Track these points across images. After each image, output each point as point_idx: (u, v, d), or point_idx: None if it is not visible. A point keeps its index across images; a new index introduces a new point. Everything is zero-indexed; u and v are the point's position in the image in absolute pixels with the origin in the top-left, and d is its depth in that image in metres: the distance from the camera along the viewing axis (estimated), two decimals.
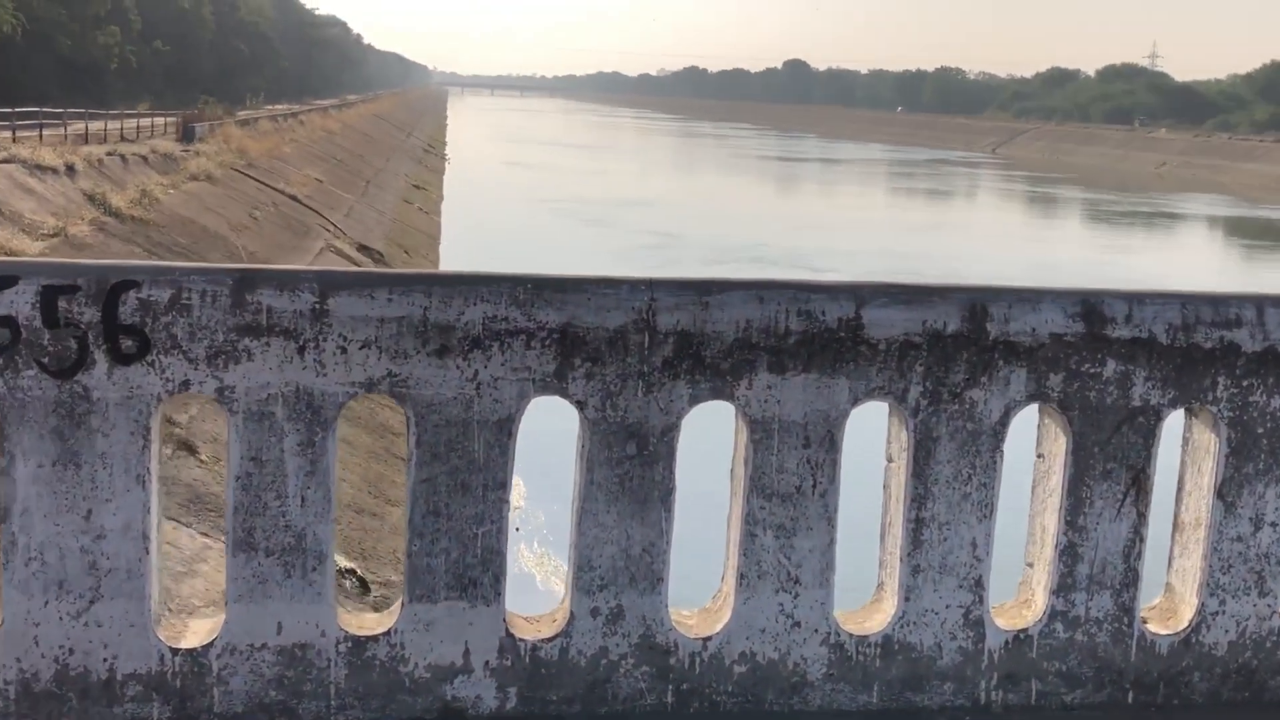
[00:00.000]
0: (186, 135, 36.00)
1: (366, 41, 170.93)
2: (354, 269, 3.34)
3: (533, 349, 3.28)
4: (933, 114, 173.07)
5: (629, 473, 3.39)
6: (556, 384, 3.33)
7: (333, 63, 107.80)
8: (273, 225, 27.35)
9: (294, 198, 32.28)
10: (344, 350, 3.22)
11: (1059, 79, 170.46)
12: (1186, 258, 46.31)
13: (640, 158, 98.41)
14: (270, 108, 59.00)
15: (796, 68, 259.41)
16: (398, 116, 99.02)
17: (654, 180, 71.83)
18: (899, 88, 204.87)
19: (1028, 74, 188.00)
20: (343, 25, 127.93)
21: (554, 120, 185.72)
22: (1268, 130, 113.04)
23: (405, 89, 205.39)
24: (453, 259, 34.78)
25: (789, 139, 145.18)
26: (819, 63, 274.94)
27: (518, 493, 3.22)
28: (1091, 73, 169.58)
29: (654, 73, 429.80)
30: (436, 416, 3.29)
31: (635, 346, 3.32)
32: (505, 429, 3.33)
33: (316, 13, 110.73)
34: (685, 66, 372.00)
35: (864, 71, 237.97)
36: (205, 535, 11.14)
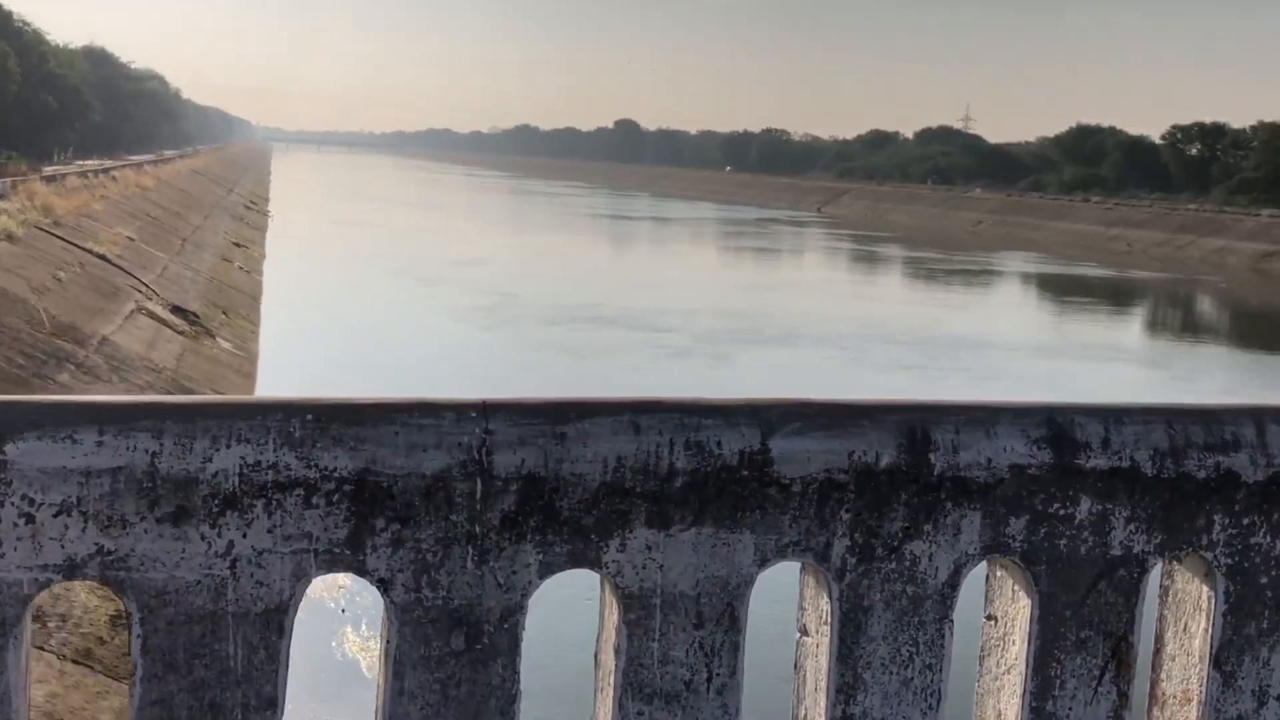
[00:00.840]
0: None
1: (186, 96, 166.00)
2: (44, 399, 2.30)
3: (315, 508, 2.30)
4: (759, 174, 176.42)
5: (454, 675, 2.42)
6: (350, 556, 2.35)
7: (149, 117, 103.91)
8: (79, 287, 25.49)
9: (103, 257, 30.34)
10: (30, 519, 2.18)
11: (879, 141, 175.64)
12: (1014, 314, 47.25)
13: (473, 215, 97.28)
14: (81, 163, 56.17)
15: (627, 127, 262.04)
16: (218, 172, 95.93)
17: (487, 239, 70.76)
18: (727, 148, 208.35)
19: (849, 135, 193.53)
20: (160, 79, 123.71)
21: (383, 176, 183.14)
22: (1076, 190, 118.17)
23: (227, 144, 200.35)
24: (275, 319, 33.16)
25: (621, 197, 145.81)
26: (649, 123, 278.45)
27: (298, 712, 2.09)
28: (910, 135, 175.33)
29: (485, 130, 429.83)
30: (172, 610, 2.27)
31: (463, 499, 2.39)
32: (274, 623, 2.33)
33: (133, 66, 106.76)
34: (516, 125, 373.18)
35: (693, 132, 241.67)
36: None
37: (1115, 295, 56.97)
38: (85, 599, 10.80)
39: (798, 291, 50.13)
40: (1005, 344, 35.92)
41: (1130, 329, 45.81)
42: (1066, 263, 73.43)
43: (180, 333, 25.47)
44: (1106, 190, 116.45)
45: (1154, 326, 47.65)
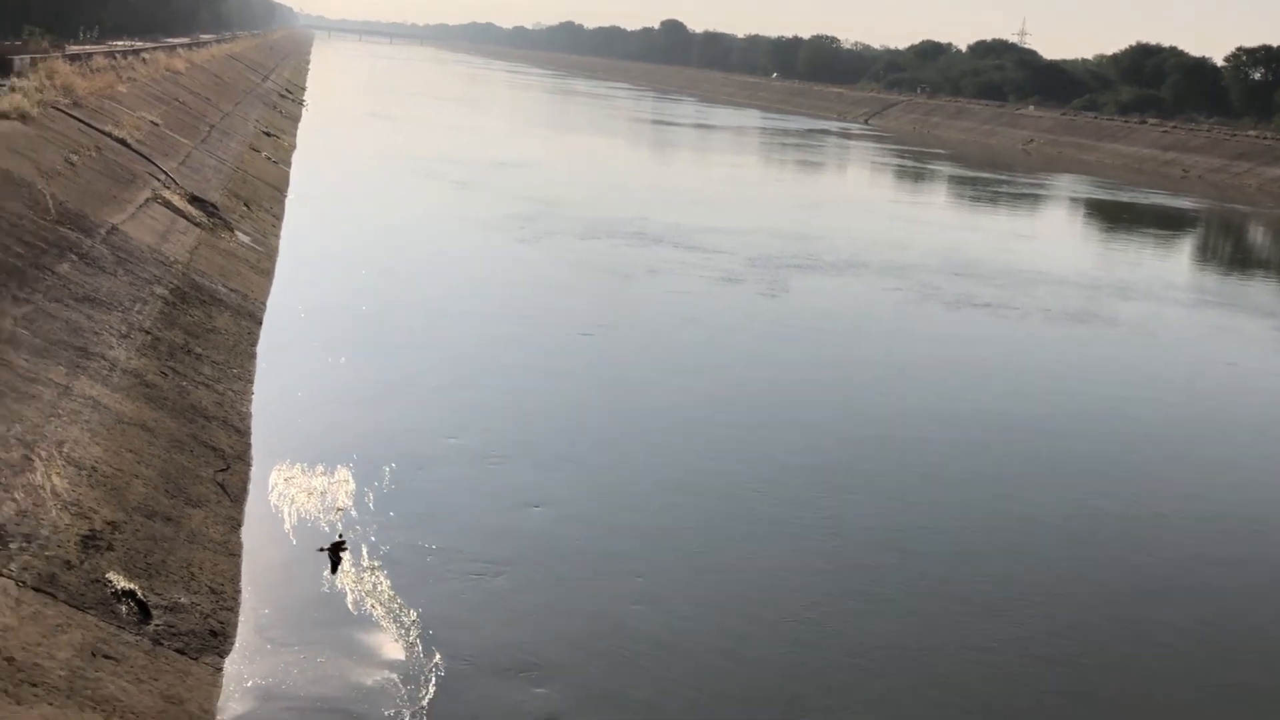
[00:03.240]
0: (3, 69, 32.53)
1: None
2: None
3: None
4: (807, 82, 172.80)
5: None
6: None
7: (188, 0, 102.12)
8: (92, 172, 24.45)
9: (123, 141, 29.23)
10: None
11: (931, 52, 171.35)
12: (1085, 246, 44.66)
13: (513, 114, 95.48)
14: (111, 44, 54.85)
15: (673, 28, 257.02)
16: (255, 58, 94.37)
17: (527, 140, 68.93)
18: (774, 53, 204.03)
19: (901, 45, 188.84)
20: None
21: (424, 69, 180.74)
22: (1132, 111, 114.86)
23: (268, 31, 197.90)
24: (300, 214, 32.11)
25: (666, 101, 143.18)
26: (696, 24, 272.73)
27: None
28: (963, 47, 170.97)
29: (529, 26, 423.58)
30: None
31: None
32: None
33: None
34: (560, 21, 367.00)
35: (740, 35, 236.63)
36: None
37: (1190, 227, 54.64)
38: (56, 516, 9.91)
39: (853, 212, 47.65)
40: (1082, 280, 33.50)
41: (1218, 268, 42.78)
42: (1134, 190, 70.76)
43: (197, 224, 24.47)
44: (1164, 113, 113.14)
45: (1245, 266, 44.25)
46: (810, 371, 21.10)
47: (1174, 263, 42.08)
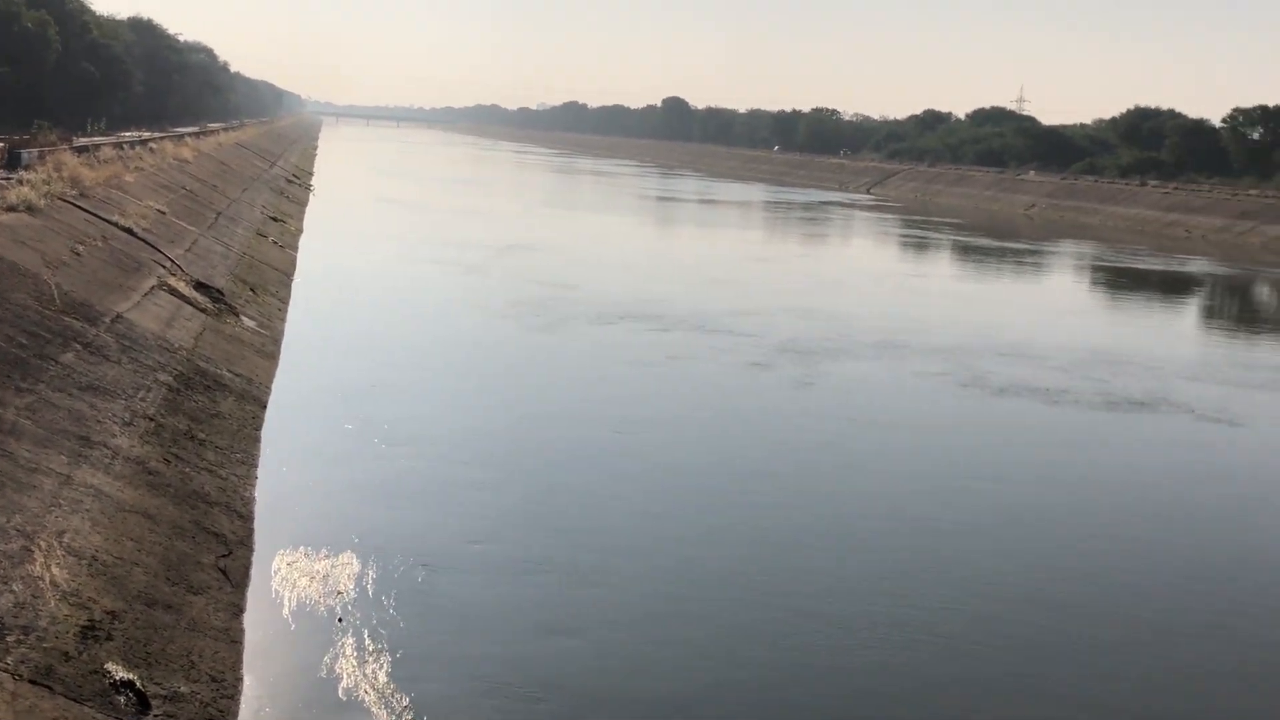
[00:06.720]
0: (11, 162, 32.91)
1: (236, 70, 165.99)
2: None
3: None
4: (809, 154, 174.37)
5: None
6: None
7: (195, 89, 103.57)
8: (98, 261, 24.65)
9: (129, 230, 29.51)
10: None
11: (932, 121, 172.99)
12: (1124, 317, 43.05)
13: (520, 195, 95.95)
14: (119, 134, 55.57)
15: (675, 105, 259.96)
16: (262, 145, 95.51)
17: (536, 221, 68.28)
18: (776, 127, 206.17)
19: (901, 115, 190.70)
20: (209, 52, 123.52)
21: (432, 152, 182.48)
22: (1132, 174, 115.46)
23: (275, 118, 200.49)
24: (307, 298, 32.18)
25: (672, 177, 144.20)
26: (697, 101, 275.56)
27: None
28: (962, 115, 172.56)
29: (533, 106, 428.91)
30: None
31: None
32: None
33: (181, 39, 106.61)
34: (564, 101, 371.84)
35: (742, 110, 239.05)
36: None
37: (1219, 293, 53.33)
38: (55, 607, 9.85)
39: (874, 287, 45.51)
40: (1139, 358, 31.00)
41: (1268, 339, 40.00)
42: (1143, 254, 69.39)
43: (202, 310, 24.59)
44: (1164, 175, 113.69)
45: None
46: (870, 478, 18.98)
47: (1222, 337, 39.45)
